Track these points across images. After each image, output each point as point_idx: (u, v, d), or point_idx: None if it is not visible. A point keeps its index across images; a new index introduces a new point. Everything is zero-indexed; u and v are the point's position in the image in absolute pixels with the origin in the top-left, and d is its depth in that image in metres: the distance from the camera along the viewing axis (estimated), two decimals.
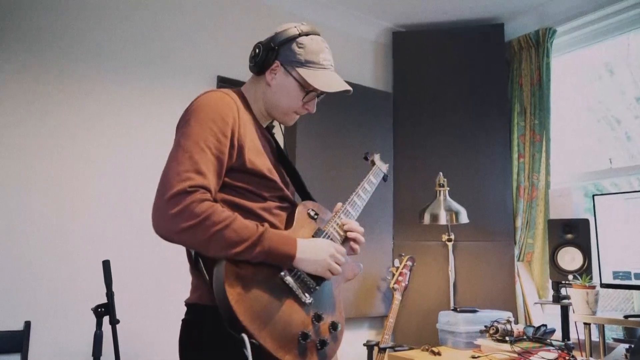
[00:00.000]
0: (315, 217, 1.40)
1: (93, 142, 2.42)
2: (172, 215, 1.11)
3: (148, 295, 2.45)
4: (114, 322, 1.96)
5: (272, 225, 1.27)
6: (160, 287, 2.48)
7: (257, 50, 1.39)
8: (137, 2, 2.61)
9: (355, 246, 1.45)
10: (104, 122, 2.46)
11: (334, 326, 1.29)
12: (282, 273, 1.22)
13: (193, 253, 1.23)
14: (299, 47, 1.38)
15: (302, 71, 1.37)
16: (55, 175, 2.32)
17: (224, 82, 2.80)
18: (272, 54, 1.38)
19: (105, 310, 1.95)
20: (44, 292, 2.23)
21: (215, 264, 1.17)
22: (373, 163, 1.74)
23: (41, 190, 2.28)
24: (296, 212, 1.37)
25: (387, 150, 3.28)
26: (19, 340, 2.13)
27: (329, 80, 1.40)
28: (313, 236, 1.34)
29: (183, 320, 1.32)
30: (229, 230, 1.14)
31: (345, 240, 1.43)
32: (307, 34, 1.40)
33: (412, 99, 3.34)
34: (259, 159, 1.31)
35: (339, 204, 1.50)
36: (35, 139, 2.29)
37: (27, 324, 2.17)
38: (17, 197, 2.22)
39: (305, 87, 1.39)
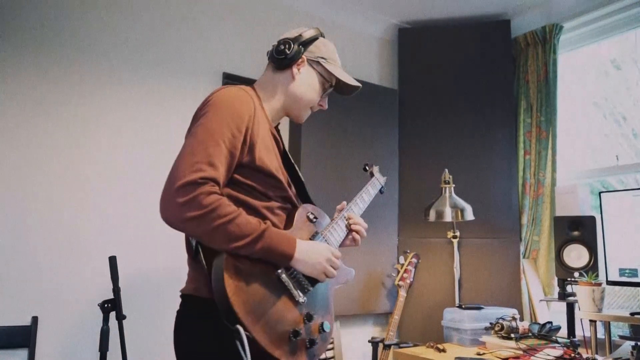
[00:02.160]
0: (314, 220, 1.43)
1: (100, 138, 2.43)
2: (180, 204, 1.13)
3: (154, 291, 2.47)
4: (120, 317, 1.98)
5: (273, 225, 1.29)
6: (166, 282, 2.49)
7: (287, 45, 1.42)
8: (144, 0, 2.62)
9: (357, 236, 1.53)
10: (110, 119, 2.47)
11: (324, 327, 1.32)
12: (279, 271, 1.25)
13: (194, 244, 1.25)
14: (323, 45, 1.48)
15: (328, 66, 1.47)
16: (63, 172, 2.33)
17: (229, 79, 2.80)
18: (303, 48, 1.44)
19: (112, 306, 1.97)
20: (51, 287, 2.25)
21: (216, 256, 1.19)
22: (372, 175, 1.78)
23: (48, 187, 2.29)
24: (296, 214, 1.39)
25: (392, 147, 3.28)
26: (26, 335, 2.15)
27: (346, 76, 1.51)
28: (310, 239, 1.37)
29: (178, 311, 1.33)
30: (232, 224, 1.17)
31: (348, 233, 1.51)
32: (323, 36, 1.51)
33: (417, 95, 3.33)
34: (268, 157, 1.32)
35: (343, 203, 1.58)
36: (42, 137, 2.30)
37: (35, 319, 2.18)
38: (24, 193, 2.24)
39: (328, 81, 1.48)
